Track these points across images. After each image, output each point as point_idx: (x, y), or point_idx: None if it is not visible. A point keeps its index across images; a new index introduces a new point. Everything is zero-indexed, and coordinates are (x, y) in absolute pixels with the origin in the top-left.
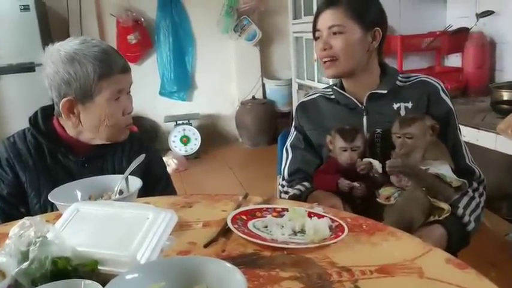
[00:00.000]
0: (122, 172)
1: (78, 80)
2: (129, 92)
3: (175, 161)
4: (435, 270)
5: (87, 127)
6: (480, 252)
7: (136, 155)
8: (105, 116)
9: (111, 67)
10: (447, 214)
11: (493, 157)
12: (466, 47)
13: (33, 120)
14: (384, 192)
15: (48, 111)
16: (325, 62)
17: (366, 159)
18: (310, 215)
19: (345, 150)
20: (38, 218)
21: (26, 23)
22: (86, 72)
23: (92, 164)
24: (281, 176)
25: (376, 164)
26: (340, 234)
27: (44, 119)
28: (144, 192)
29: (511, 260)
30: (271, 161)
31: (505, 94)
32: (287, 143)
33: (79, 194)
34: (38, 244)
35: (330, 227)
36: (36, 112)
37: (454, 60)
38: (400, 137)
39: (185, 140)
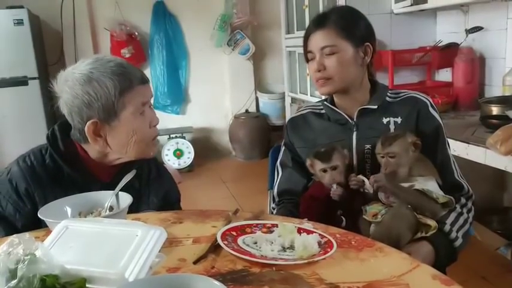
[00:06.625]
0: (143, 198)
1: (100, 99)
2: (151, 104)
3: None
4: (422, 287)
5: (114, 147)
6: (472, 266)
7: (157, 181)
8: (133, 132)
9: (130, 80)
10: (434, 230)
11: (483, 171)
12: (456, 62)
13: (51, 139)
14: (371, 209)
15: (65, 128)
16: (318, 80)
17: (359, 176)
18: (299, 230)
19: (325, 171)
20: (26, 235)
21: (20, 37)
22: (106, 90)
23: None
24: (272, 194)
25: (368, 184)
26: (329, 250)
27: (62, 139)
28: None
29: (502, 273)
30: (265, 174)
31: (494, 109)
32: (278, 160)
33: (69, 211)
34: (26, 262)
35: (319, 243)
36: (53, 130)
37: (444, 75)
38: (383, 157)
39: (178, 153)
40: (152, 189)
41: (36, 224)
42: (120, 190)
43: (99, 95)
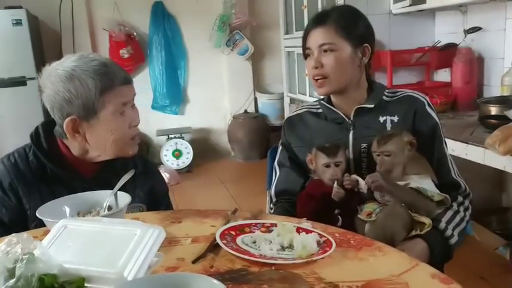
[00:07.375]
0: (129, 192)
1: (80, 97)
2: (134, 104)
3: (167, 175)
4: (421, 286)
5: (93, 145)
6: (470, 266)
7: (142, 176)
8: (111, 131)
9: (112, 80)
10: (428, 228)
11: (481, 171)
12: (455, 63)
13: (34, 138)
14: (366, 208)
15: (48, 127)
16: (316, 80)
17: (353, 176)
18: (298, 230)
19: (328, 166)
20: (25, 234)
21: (18, 38)
22: (87, 88)
23: (98, 187)
24: (270, 194)
25: (362, 184)
26: (328, 249)
27: (46, 137)
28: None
29: (501, 273)
30: (264, 174)
31: (493, 109)
32: (275, 159)
33: (67, 210)
34: (24, 261)
35: (318, 242)
36: (36, 128)
37: (443, 75)
38: (379, 155)
39: (177, 153)
40: (138, 183)
41: (23, 218)
42: (103, 185)
43: (79, 93)
